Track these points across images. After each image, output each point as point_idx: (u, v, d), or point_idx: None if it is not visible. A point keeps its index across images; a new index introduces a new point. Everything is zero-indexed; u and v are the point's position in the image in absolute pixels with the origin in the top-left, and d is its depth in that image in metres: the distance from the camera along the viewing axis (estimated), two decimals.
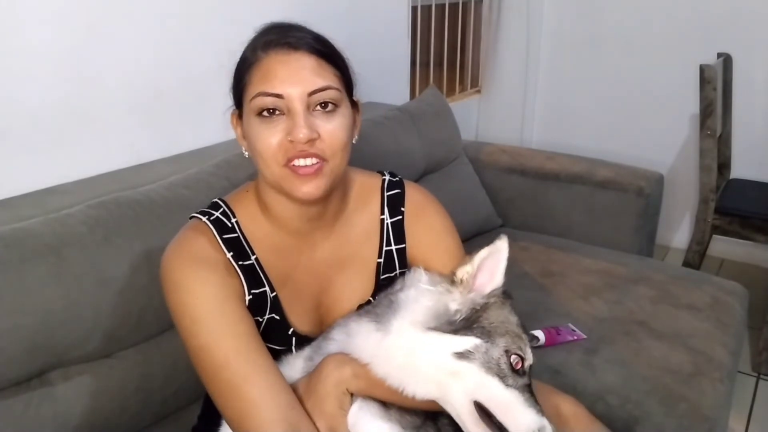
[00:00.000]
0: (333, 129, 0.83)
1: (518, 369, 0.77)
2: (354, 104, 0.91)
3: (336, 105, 0.84)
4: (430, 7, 2.73)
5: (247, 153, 0.91)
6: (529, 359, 0.79)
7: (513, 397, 0.75)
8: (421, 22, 2.64)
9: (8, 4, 1.19)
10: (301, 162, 0.82)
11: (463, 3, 2.97)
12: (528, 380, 0.78)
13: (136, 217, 1.08)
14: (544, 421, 0.74)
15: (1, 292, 0.90)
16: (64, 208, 1.06)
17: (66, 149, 1.33)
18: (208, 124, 1.64)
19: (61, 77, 1.30)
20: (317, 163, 0.83)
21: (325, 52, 0.85)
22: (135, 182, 1.22)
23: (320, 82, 0.82)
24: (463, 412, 0.76)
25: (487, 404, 0.75)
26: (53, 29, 1.27)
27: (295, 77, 0.82)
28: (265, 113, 0.82)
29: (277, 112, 0.82)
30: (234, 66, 0.89)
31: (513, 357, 0.77)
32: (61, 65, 1.29)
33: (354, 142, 0.91)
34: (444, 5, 2.81)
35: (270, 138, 0.82)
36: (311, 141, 0.81)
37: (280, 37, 0.84)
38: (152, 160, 1.48)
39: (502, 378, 0.76)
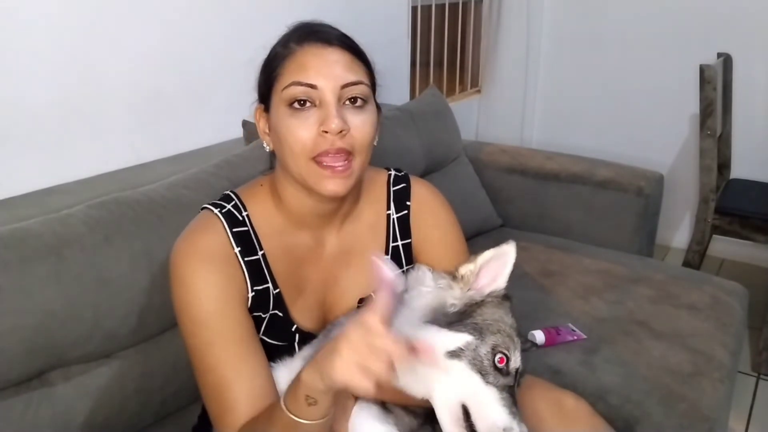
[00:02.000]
0: (362, 123, 0.85)
1: (501, 367, 0.76)
2: (377, 107, 0.92)
3: (365, 101, 0.86)
4: (430, 7, 2.73)
5: (268, 147, 0.92)
6: (516, 362, 0.78)
7: (490, 393, 0.74)
8: (421, 22, 2.64)
9: (8, 4, 1.19)
10: (330, 161, 0.83)
11: (463, 3, 2.97)
12: (511, 382, 0.77)
13: (136, 217, 1.08)
14: (514, 423, 0.73)
15: (1, 292, 0.90)
16: (64, 208, 1.06)
17: (66, 149, 1.33)
18: (208, 124, 1.64)
19: (61, 77, 1.30)
20: (345, 159, 0.83)
21: (357, 49, 0.88)
22: (135, 182, 1.22)
23: (352, 77, 0.84)
24: (445, 411, 0.76)
25: (468, 403, 0.75)
26: (53, 29, 1.27)
27: (329, 70, 0.83)
28: (296, 105, 0.83)
29: (308, 104, 0.83)
30: (260, 62, 0.90)
31: (498, 355, 0.76)
32: (61, 65, 1.29)
33: (374, 143, 0.91)
34: (444, 5, 2.81)
35: (301, 130, 0.83)
36: (342, 133, 0.82)
37: (313, 32, 0.86)
38: (152, 160, 1.48)
39: (483, 375, 0.75)
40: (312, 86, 0.82)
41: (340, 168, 0.83)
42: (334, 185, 0.84)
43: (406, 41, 2.49)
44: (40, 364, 0.96)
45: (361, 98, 0.85)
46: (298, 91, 0.83)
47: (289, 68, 0.84)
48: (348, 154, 0.84)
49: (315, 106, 0.83)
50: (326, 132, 0.82)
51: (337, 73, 0.83)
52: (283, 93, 0.84)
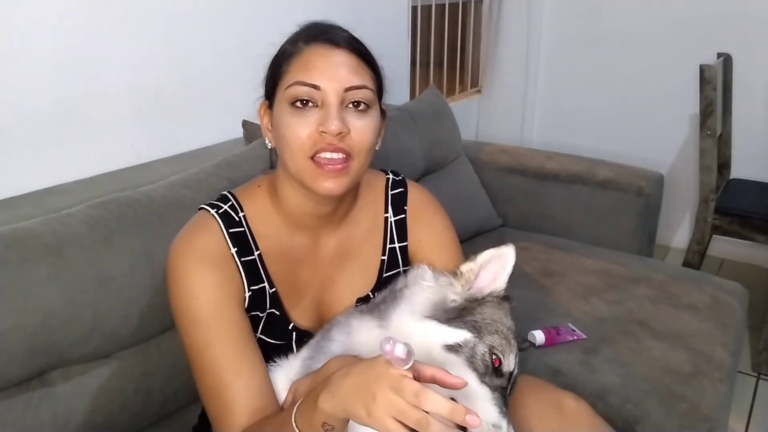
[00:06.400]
0: (363, 127, 0.84)
1: (496, 368, 0.77)
2: (382, 112, 0.92)
3: (368, 106, 0.86)
4: (430, 7, 2.73)
5: (270, 144, 0.92)
6: (510, 365, 0.79)
7: (483, 393, 0.75)
8: (421, 22, 2.64)
9: (9, 4, 1.19)
10: (327, 155, 0.83)
11: (463, 3, 2.97)
12: (504, 384, 0.78)
13: (136, 217, 1.08)
14: (503, 422, 0.74)
15: (1, 292, 0.90)
16: (64, 208, 1.06)
17: (66, 149, 1.33)
18: (208, 124, 1.64)
19: (61, 77, 1.30)
20: (344, 158, 0.83)
21: (364, 53, 0.87)
22: (135, 182, 1.22)
23: (357, 80, 0.84)
24: None
25: (458, 399, 0.75)
26: (54, 29, 1.27)
27: (334, 71, 0.83)
28: (298, 104, 0.83)
29: (310, 104, 0.83)
30: (269, 58, 0.90)
31: (493, 356, 0.77)
32: (61, 65, 1.29)
33: (377, 148, 0.91)
34: (444, 5, 2.81)
35: (300, 129, 0.83)
36: (341, 135, 0.82)
37: (322, 32, 0.86)
38: (152, 160, 1.48)
39: (480, 374, 0.76)
40: (315, 87, 0.82)
41: (338, 166, 0.83)
42: (330, 184, 0.84)
43: (406, 41, 2.49)
44: (40, 364, 0.96)
45: (364, 102, 0.85)
46: (301, 91, 0.83)
47: (294, 67, 0.85)
48: (346, 154, 0.84)
49: (317, 106, 0.83)
50: (325, 132, 0.82)
51: (341, 76, 0.83)
52: (286, 91, 0.84)
